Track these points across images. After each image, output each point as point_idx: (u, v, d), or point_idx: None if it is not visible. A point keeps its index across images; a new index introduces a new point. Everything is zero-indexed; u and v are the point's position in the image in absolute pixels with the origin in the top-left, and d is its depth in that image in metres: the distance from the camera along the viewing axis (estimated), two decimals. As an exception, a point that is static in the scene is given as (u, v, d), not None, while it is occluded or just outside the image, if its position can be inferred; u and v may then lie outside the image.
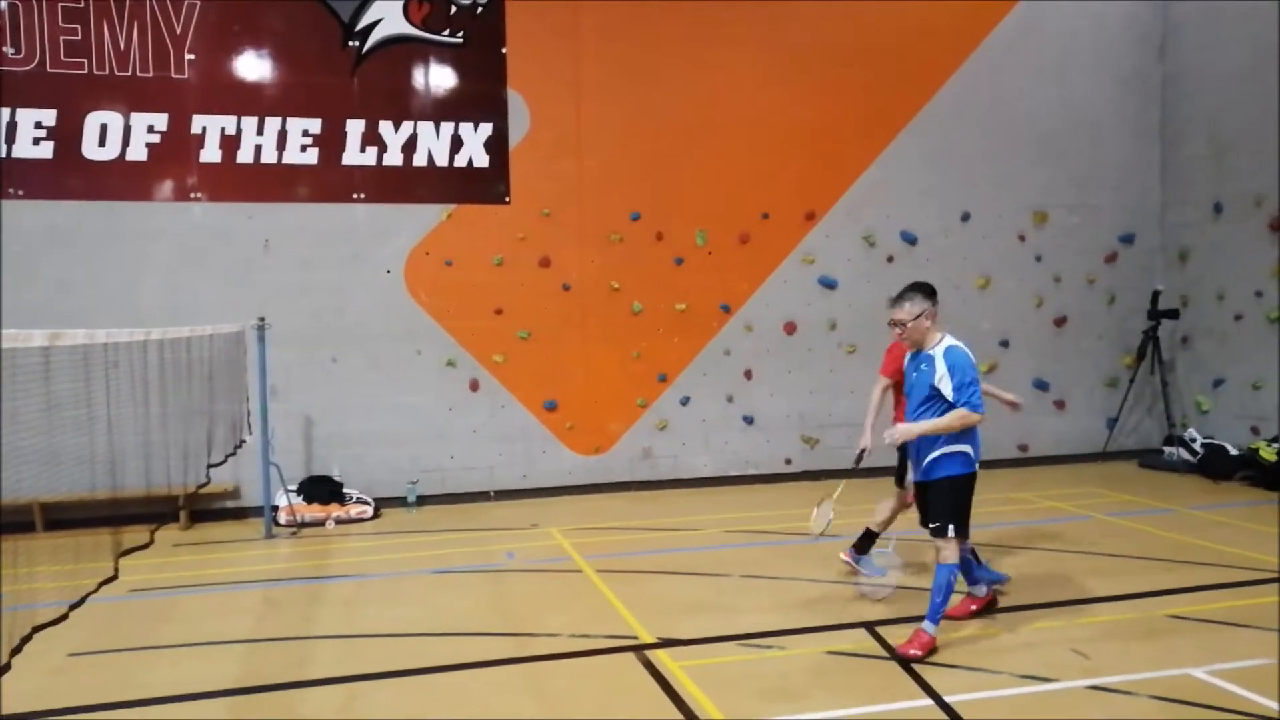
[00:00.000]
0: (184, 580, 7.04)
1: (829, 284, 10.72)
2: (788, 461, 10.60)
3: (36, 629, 3.83)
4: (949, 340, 5.18)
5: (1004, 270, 11.26)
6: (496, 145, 9.88)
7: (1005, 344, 11.24)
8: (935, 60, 10.97)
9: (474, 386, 9.84)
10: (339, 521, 8.87)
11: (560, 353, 10.05)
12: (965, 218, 11.13)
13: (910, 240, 10.96)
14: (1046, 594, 6.21)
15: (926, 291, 5.19)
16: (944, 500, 5.18)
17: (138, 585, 6.67)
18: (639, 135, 10.17)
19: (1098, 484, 10.09)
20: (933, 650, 5.09)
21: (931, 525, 5.22)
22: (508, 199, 9.91)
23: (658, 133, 10.22)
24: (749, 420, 10.54)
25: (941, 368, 5.07)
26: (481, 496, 9.86)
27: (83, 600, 4.41)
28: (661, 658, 5.19)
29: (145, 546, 5.82)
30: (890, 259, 10.90)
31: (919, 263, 10.95)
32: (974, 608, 5.71)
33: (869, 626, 5.55)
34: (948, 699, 4.54)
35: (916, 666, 4.96)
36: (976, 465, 5.24)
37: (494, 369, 9.90)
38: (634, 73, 10.15)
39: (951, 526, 5.16)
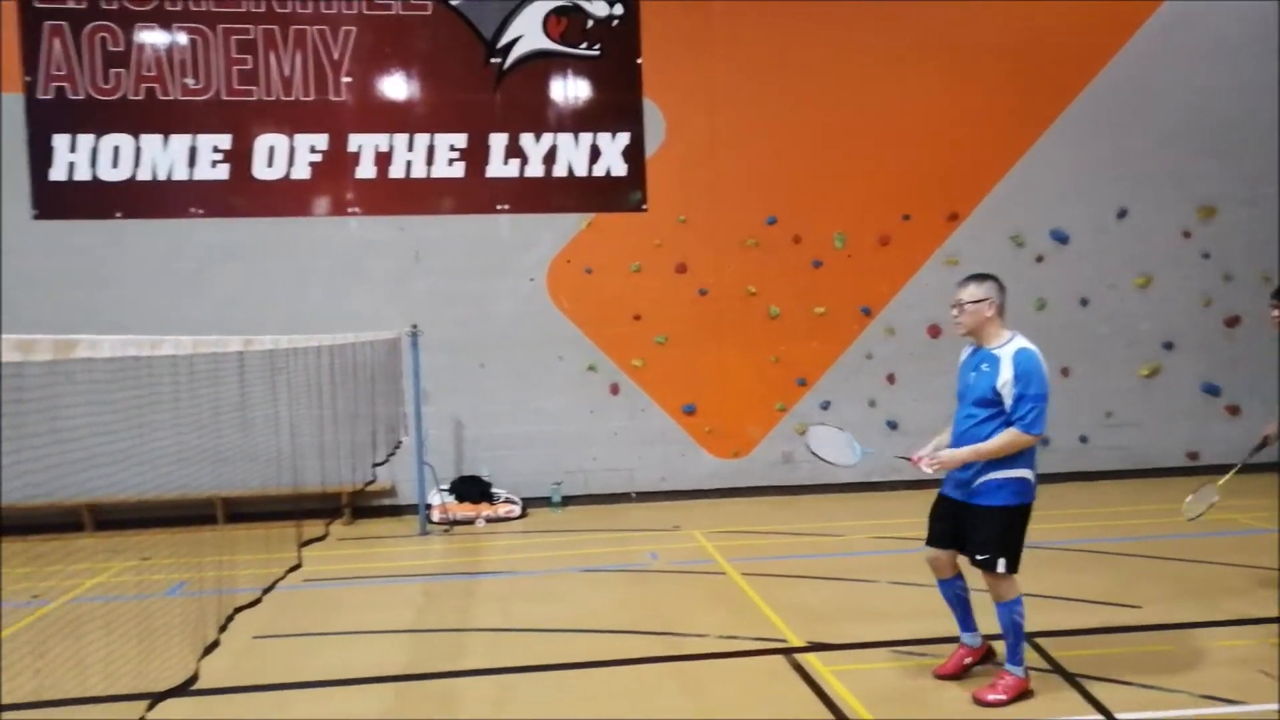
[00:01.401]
0: (349, 572, 7.45)
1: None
2: (932, 468, 10.30)
3: (238, 609, 4.15)
4: (1022, 341, 4.47)
5: (1166, 268, 10.62)
6: (633, 154, 10.04)
7: (1170, 346, 10.60)
8: (1088, 49, 10.48)
9: (614, 390, 10.01)
10: (488, 520, 9.19)
11: (698, 357, 10.10)
12: (1122, 214, 10.57)
13: (1061, 239, 10.49)
14: (1224, 610, 5.82)
15: (997, 282, 4.60)
16: (993, 530, 4.45)
17: (309, 575, 7.07)
18: (774, 138, 10.14)
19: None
20: (1025, 694, 4.54)
21: (979, 558, 4.49)
22: (645, 206, 10.05)
23: (794, 134, 10.15)
24: (892, 425, 10.31)
25: (1008, 371, 4.37)
26: (623, 498, 10.01)
27: (273, 586, 4.74)
28: (812, 661, 5.15)
29: (322, 539, 6.19)
30: (1040, 259, 10.47)
31: (1070, 261, 10.49)
32: (969, 660, 4.82)
33: (1028, 637, 5.33)
34: (1119, 716, 4.32)
35: (1083, 680, 4.74)
36: (1034, 494, 4.53)
37: (633, 373, 10.05)
38: (768, 75, 10.12)
39: (1003, 561, 4.44)
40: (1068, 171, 10.45)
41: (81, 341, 2.32)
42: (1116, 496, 9.58)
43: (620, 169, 10.05)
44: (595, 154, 10.03)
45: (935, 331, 10.32)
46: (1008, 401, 4.41)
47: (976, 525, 4.51)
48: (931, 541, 4.78)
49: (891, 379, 10.33)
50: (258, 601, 4.40)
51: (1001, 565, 4.45)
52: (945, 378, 10.45)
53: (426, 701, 4.78)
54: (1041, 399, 4.37)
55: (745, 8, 10.09)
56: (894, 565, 7.09)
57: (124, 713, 3.02)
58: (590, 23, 10.02)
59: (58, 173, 9.32)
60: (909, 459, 4.66)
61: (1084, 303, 10.53)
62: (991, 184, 10.46)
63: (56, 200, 9.33)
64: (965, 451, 4.44)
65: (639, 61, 10.06)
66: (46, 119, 9.30)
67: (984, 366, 4.54)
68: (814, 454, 4.99)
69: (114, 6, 9.35)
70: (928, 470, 4.52)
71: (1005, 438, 4.37)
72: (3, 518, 8.41)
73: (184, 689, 3.40)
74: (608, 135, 10.04)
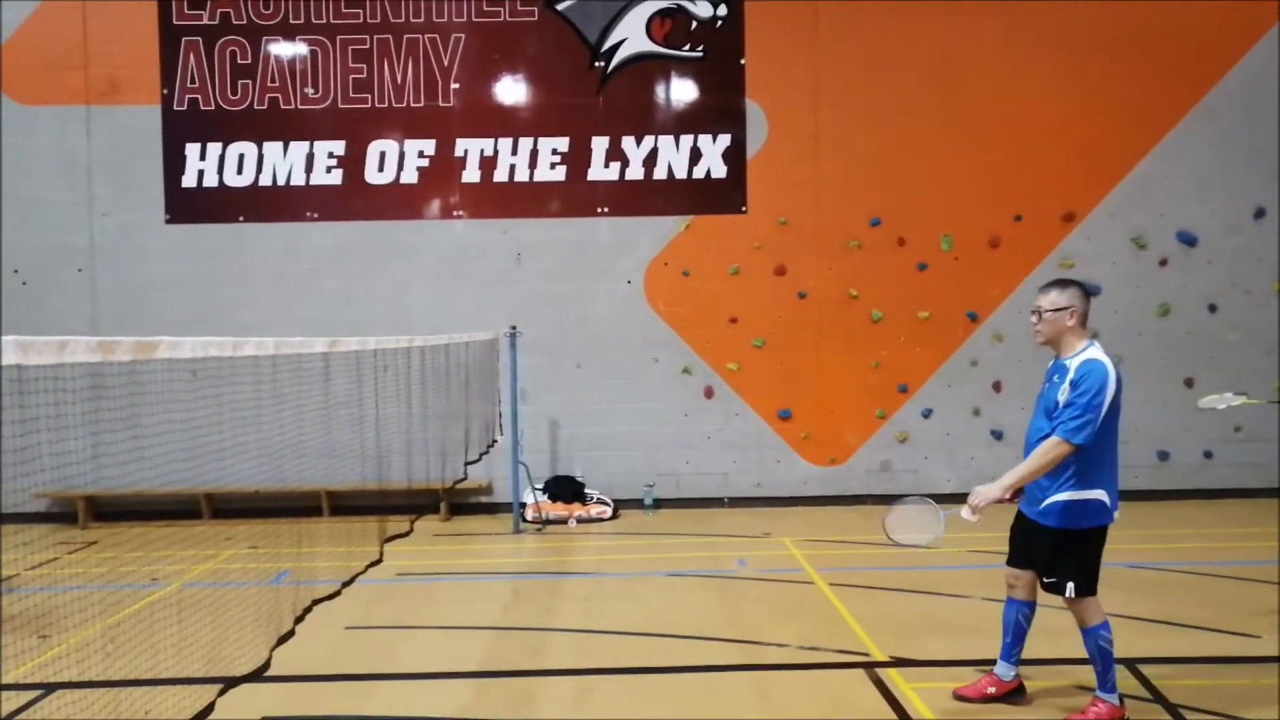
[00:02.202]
0: (442, 568, 7.66)
1: (1090, 290, 9.78)
2: (1041, 480, 9.87)
3: (316, 602, 4.32)
4: (1094, 351, 4.23)
5: (1308, 272, 9.87)
6: (734, 155, 9.98)
7: (1311, 356, 9.85)
8: (1224, 37, 9.84)
9: (708, 394, 9.97)
10: (580, 520, 9.29)
11: (795, 362, 9.96)
12: (1259, 214, 9.89)
13: (1188, 241, 9.89)
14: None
15: (1081, 290, 4.36)
16: (1058, 552, 4.25)
17: (403, 570, 7.33)
18: (880, 137, 9.90)
19: None
20: None
21: (1046, 580, 4.32)
22: (744, 208, 9.97)
23: (900, 134, 9.89)
24: (997, 435, 9.92)
25: (1068, 380, 4.19)
26: (715, 503, 9.95)
27: (352, 580, 4.92)
28: (893, 677, 5.01)
29: (405, 535, 6.38)
30: (1163, 262, 9.90)
31: (1198, 265, 9.89)
32: (992, 690, 4.59)
33: (1130, 664, 5.04)
34: (1224, 753, 4.04)
35: (1186, 713, 4.45)
36: (1114, 515, 4.26)
37: (728, 377, 9.98)
38: (875, 73, 9.90)
39: (1072, 585, 4.21)
40: (1198, 168, 9.85)
41: (162, 343, 2.46)
42: (1243, 517, 8.96)
43: (720, 171, 10.01)
44: (696, 156, 10.01)
45: (1047, 338, 9.87)
46: None
47: (1042, 546, 4.33)
48: (1010, 560, 4.61)
49: (998, 387, 9.94)
50: (337, 594, 4.58)
51: (1070, 589, 4.24)
52: (1056, 387, 10.02)
53: (505, 699, 4.87)
54: (1090, 409, 4.09)
55: (852, 6, 9.90)
56: (989, 580, 6.78)
57: (206, 697, 3.20)
58: (694, 24, 10.01)
59: (189, 180, 9.91)
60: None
61: (1213, 309, 9.90)
62: (1112, 183, 9.95)
63: (187, 206, 9.93)
64: (1006, 480, 4.23)
65: (742, 62, 9.99)
66: (180, 129, 9.91)
67: (1055, 378, 4.34)
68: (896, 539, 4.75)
69: (243, 21, 9.89)
70: (969, 518, 4.23)
71: (1042, 449, 4.17)
72: (99, 505, 8.96)
73: (255, 676, 3.56)
74: (709, 137, 10.02)
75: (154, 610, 6.04)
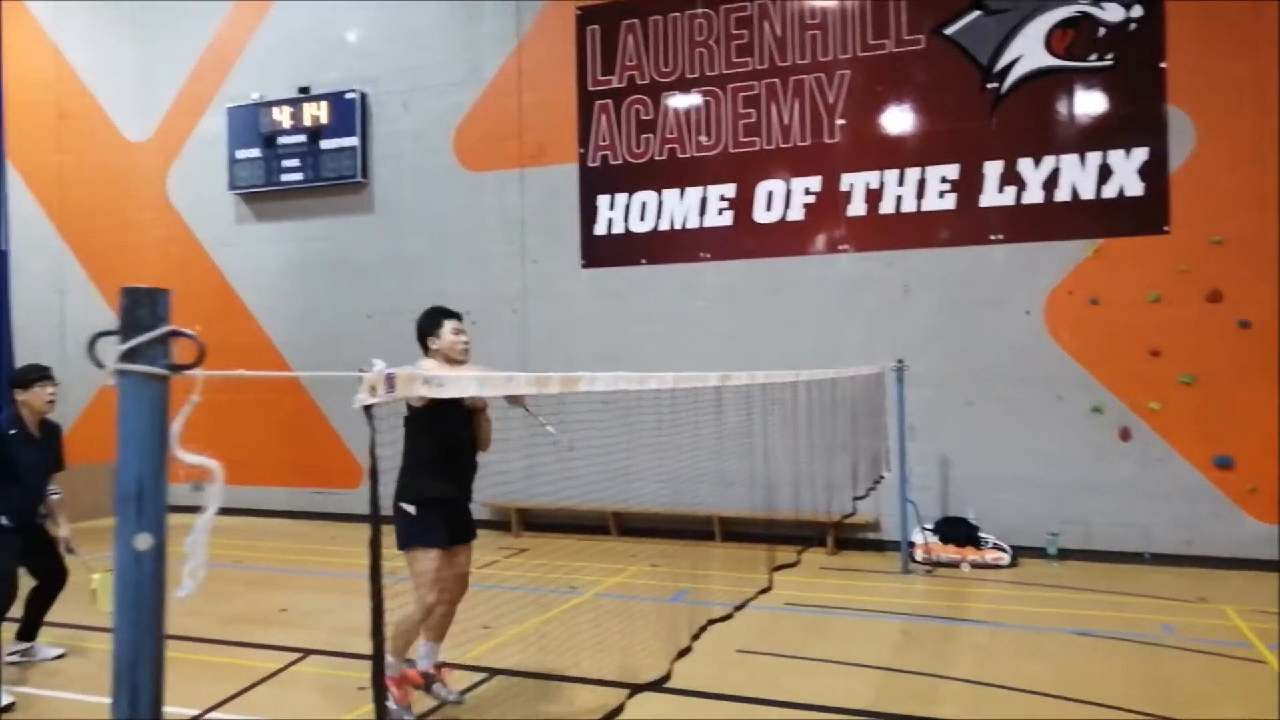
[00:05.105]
0: (829, 601, 7.64)
1: None
2: None
3: (711, 622, 4.54)
4: None
5: None
6: (1153, 170, 8.94)
7: None
8: None
9: (1124, 436, 8.95)
10: (974, 565, 8.78)
11: (1237, 401, 8.60)
12: None
13: None
14: None
15: None
16: None
17: (791, 600, 7.42)
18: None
19: None
20: None
21: None
22: (1166, 228, 8.88)
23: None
24: None
25: None
26: (1133, 558, 8.86)
27: (744, 605, 5.09)
28: (1381, 789, 4.10)
29: (793, 565, 6.47)
30: None
31: None
32: None
33: None
34: None
35: None
36: None
37: (1149, 417, 8.88)
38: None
39: None
40: None
41: (583, 378, 2.78)
42: None
43: (1135, 188, 9.02)
44: (1105, 174, 9.12)
45: None
46: None
47: None
48: None
49: None
50: (729, 617, 4.76)
51: None
52: None
53: (893, 742, 4.74)
54: None
55: (1308, -17, 8.47)
56: None
57: (611, 698, 3.51)
58: (1101, 31, 9.18)
59: (600, 228, 11.04)
60: None
61: None
62: None
63: (598, 251, 11.05)
64: None
65: (1162, 65, 8.95)
66: (593, 183, 11.09)
67: None
68: None
69: (646, 81, 10.85)
70: None
71: None
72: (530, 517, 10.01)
73: (657, 686, 3.81)
74: (1120, 152, 9.08)
75: (573, 614, 6.74)
